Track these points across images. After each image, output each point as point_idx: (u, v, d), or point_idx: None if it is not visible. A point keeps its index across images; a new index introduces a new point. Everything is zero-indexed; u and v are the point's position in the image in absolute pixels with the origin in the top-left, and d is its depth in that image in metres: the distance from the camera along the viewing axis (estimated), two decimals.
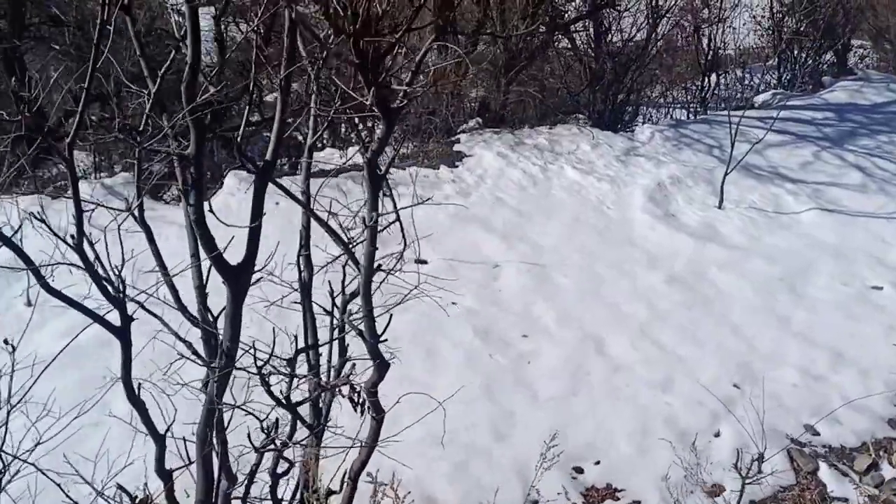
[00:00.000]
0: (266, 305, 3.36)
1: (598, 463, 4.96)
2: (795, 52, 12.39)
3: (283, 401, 3.11)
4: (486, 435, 5.11)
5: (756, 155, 9.00)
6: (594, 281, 6.64)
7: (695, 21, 12.22)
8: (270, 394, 2.99)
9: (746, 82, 13.11)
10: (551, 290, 6.54)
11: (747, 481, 3.92)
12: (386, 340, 3.20)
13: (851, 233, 7.47)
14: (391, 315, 3.23)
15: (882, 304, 6.44)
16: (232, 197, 7.67)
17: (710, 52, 12.13)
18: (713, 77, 12.46)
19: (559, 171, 8.48)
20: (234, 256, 2.91)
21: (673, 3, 11.09)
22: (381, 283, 3.27)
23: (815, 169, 8.83)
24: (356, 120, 10.62)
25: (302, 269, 3.63)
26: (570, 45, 11.28)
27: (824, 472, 4.93)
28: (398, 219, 2.99)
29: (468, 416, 5.25)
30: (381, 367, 3.21)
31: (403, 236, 3.14)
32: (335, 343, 3.57)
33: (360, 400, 3.07)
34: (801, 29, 12.23)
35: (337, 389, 3.07)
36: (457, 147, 9.07)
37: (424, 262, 6.91)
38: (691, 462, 4.72)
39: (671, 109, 12.19)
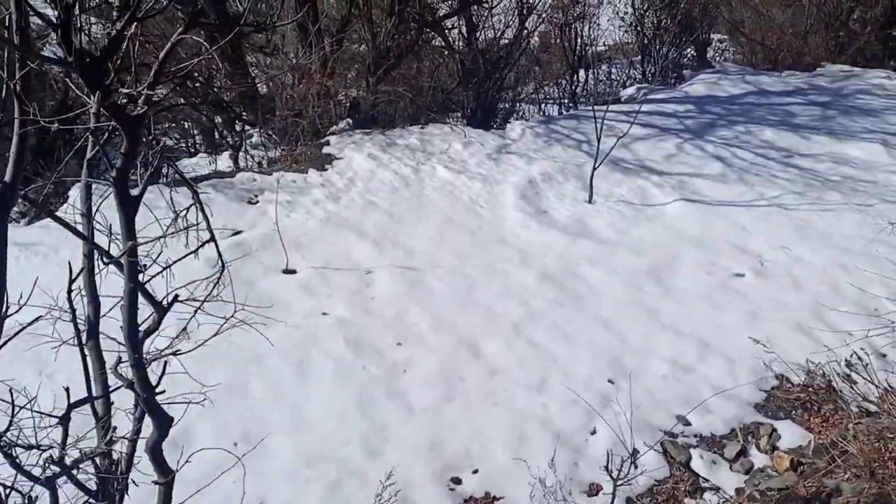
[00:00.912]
0: (54, 347, 2.81)
1: (475, 472, 4.83)
2: (657, 47, 12.80)
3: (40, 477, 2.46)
4: (359, 452, 4.88)
5: (623, 149, 9.19)
6: (467, 282, 6.53)
7: (563, 17, 12.42)
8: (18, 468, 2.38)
9: (613, 77, 13.47)
10: (425, 294, 6.38)
11: (619, 483, 3.87)
12: (163, 392, 2.73)
13: (713, 222, 7.70)
14: (166, 363, 2.74)
15: (744, 292, 6.64)
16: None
17: (578, 49, 12.36)
18: (581, 73, 12.72)
19: (431, 171, 8.35)
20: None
21: (540, 0, 11.22)
22: (192, 316, 2.78)
23: (679, 161, 9.09)
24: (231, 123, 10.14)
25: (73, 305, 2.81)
26: (442, 43, 11.20)
27: (697, 462, 4.99)
28: (213, 238, 2.65)
29: (341, 432, 5.01)
30: (163, 422, 2.72)
31: (221, 259, 2.77)
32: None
33: (120, 473, 2.58)
34: (661, 24, 12.65)
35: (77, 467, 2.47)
36: (326, 150, 8.78)
37: (293, 271, 6.62)
38: (568, 463, 4.68)
39: (544, 106, 12.33)
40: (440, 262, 6.79)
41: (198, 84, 10.47)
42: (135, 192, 2.43)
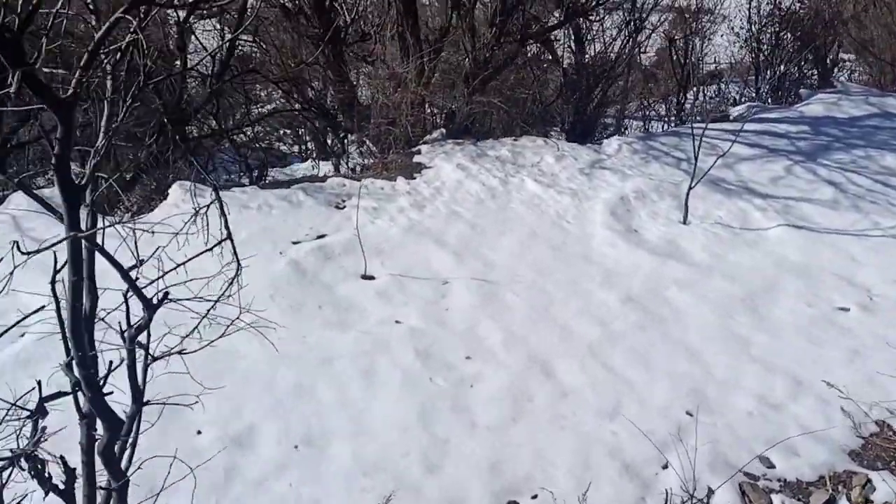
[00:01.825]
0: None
1: (535, 497, 4.62)
2: (773, 64, 12.15)
3: None
4: (417, 465, 4.77)
5: (726, 169, 8.73)
6: (545, 299, 6.32)
7: (672, 33, 12.01)
8: None
9: (726, 95, 12.89)
10: (499, 308, 6.22)
11: None
12: (111, 393, 2.57)
13: (819, 251, 7.16)
14: (111, 364, 2.59)
15: (848, 327, 6.13)
16: (176, 208, 7.34)
17: (689, 65, 11.90)
18: (692, 90, 12.25)
19: (520, 183, 8.18)
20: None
21: (651, 14, 10.89)
22: (203, 316, 2.69)
23: (786, 184, 8.54)
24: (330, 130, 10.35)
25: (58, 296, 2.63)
26: (544, 54, 11.05)
27: None
28: (230, 236, 2.59)
29: (401, 443, 4.92)
30: (112, 424, 2.56)
31: (236, 258, 2.68)
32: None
33: (47, 475, 2.46)
34: (779, 41, 12.00)
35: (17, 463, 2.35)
36: (417, 158, 8.77)
37: (372, 277, 6.61)
38: (634, 497, 4.40)
39: (648, 123, 11.94)
40: (519, 277, 6.61)
41: (310, 89, 10.77)
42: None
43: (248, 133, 11.81)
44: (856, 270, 6.88)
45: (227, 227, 2.48)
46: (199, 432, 4.87)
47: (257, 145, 11.55)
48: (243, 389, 5.27)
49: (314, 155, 12.13)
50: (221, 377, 5.31)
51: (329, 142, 11.46)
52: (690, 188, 7.49)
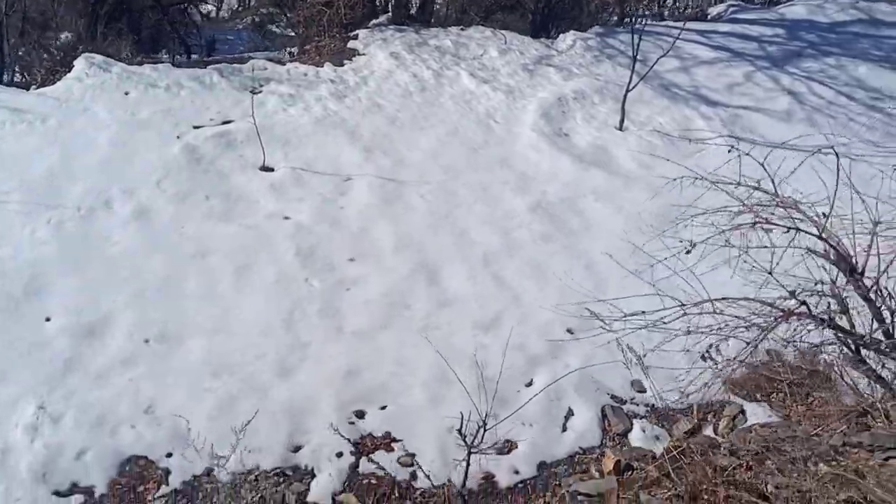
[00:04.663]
0: None
1: (383, 408, 4.44)
2: None
3: None
4: (270, 369, 4.56)
5: (682, 73, 8.19)
6: (450, 203, 6.00)
7: None
8: None
9: None
10: (400, 210, 5.90)
11: (472, 450, 3.40)
12: None
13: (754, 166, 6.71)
14: None
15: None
16: (79, 83, 6.89)
17: None
18: None
19: (454, 77, 7.67)
20: None
21: None
22: None
23: (742, 91, 8.01)
24: None
25: None
26: None
27: (636, 435, 4.42)
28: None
29: (260, 345, 4.69)
30: None
31: None
32: None
33: None
34: None
35: None
36: (352, 44, 8.22)
37: (270, 169, 6.24)
38: (484, 414, 4.20)
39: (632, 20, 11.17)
40: (428, 178, 6.25)
41: None
42: None
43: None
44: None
45: None
46: (47, 319, 4.65)
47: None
48: (107, 277, 4.99)
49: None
50: (89, 262, 5.07)
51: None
52: (627, 91, 6.99)
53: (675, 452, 3.54)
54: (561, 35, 8.91)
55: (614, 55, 8.54)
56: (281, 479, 4.02)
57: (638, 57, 8.39)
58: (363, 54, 7.97)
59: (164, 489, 3.87)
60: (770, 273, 3.30)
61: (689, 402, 4.57)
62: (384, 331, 4.88)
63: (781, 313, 3.21)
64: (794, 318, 3.21)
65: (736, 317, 3.47)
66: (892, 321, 3.35)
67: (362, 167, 6.30)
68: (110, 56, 7.31)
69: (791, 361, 4.84)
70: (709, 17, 10.43)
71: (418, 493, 4.06)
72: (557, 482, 4.06)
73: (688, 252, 3.37)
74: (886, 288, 3.26)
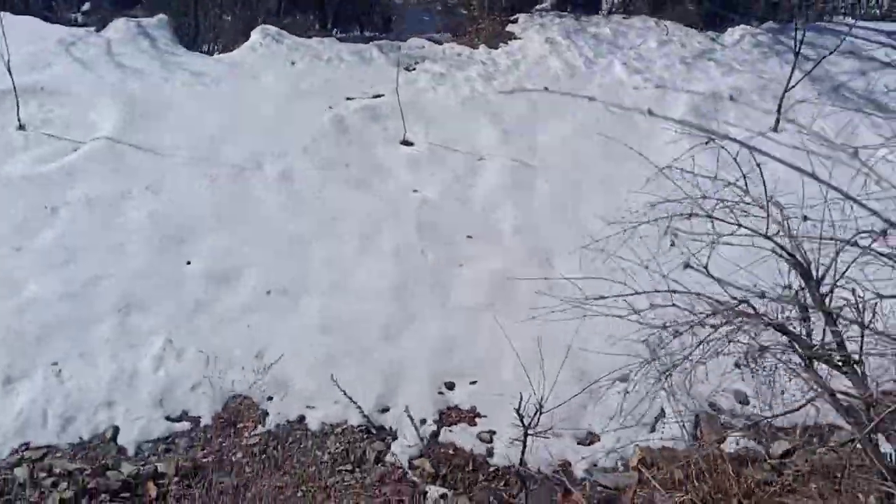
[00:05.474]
0: None
1: (473, 383, 4.62)
2: None
3: None
4: (375, 332, 4.87)
5: (858, 76, 7.58)
6: (574, 194, 6.01)
7: None
8: None
9: None
10: (526, 194, 6.00)
11: (528, 432, 3.48)
12: None
13: None
14: None
15: None
16: (253, 52, 7.55)
17: None
18: None
19: (607, 65, 7.59)
20: None
21: None
22: None
23: None
24: None
25: None
26: None
27: (728, 449, 4.28)
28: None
29: (370, 310, 5.00)
30: None
31: None
32: None
33: None
34: None
35: None
36: (510, 27, 8.33)
37: (410, 143, 6.55)
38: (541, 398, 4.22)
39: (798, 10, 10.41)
40: (559, 165, 6.29)
41: None
42: None
43: None
44: None
45: None
46: (188, 262, 5.23)
47: None
48: (247, 231, 5.51)
49: None
50: (233, 216, 5.62)
51: None
52: (786, 90, 6.60)
53: (697, 456, 3.45)
54: (729, 28, 8.50)
55: (784, 52, 8.04)
56: (365, 436, 4.33)
57: (811, 56, 7.89)
58: (519, 38, 8.07)
59: (259, 429, 4.31)
60: (705, 269, 3.06)
61: (794, 420, 4.38)
62: (488, 309, 5.03)
63: (729, 311, 2.99)
64: (743, 318, 2.98)
65: (690, 312, 3.27)
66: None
67: (497, 149, 6.45)
68: (285, 29, 7.91)
69: None
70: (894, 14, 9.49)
71: (491, 469, 4.22)
72: None
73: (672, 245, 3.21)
74: (847, 299, 2.96)
